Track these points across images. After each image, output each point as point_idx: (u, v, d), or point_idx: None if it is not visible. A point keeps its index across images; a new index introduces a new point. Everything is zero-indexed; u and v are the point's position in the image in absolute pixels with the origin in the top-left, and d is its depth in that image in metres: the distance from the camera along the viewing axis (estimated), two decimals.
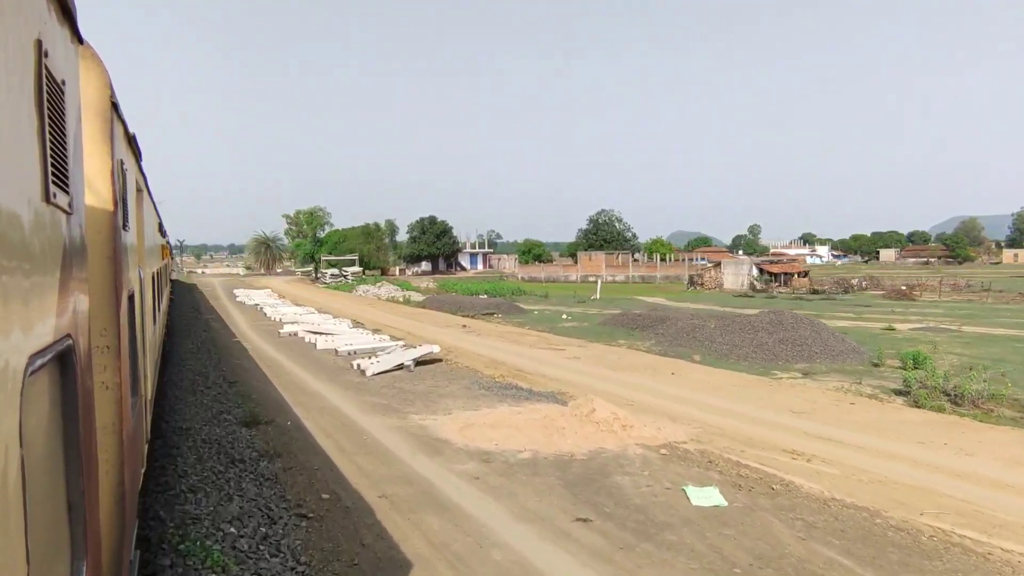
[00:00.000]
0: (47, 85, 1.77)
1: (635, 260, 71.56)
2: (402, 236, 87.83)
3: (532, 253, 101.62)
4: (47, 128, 1.76)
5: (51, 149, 1.79)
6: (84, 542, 1.88)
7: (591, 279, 69.44)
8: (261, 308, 29.25)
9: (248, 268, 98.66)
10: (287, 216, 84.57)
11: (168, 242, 29.16)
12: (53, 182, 1.76)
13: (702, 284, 51.73)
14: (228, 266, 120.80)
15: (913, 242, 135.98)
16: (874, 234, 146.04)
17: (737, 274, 51.79)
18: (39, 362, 1.56)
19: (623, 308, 28.61)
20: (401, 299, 36.51)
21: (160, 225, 14.93)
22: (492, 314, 26.77)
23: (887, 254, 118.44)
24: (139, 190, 5.76)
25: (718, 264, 53.91)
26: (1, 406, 1.26)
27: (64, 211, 1.87)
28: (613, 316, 24.53)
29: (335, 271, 62.95)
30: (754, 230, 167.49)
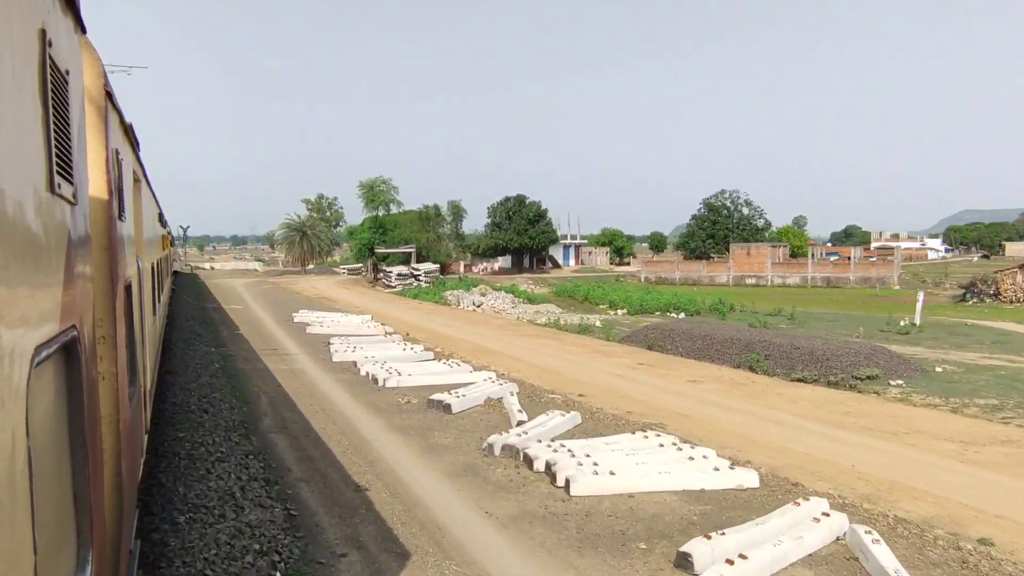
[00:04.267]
0: (51, 75, 1.93)
1: (812, 256, 61.78)
2: (471, 222, 76.41)
3: (614, 245, 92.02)
4: (51, 118, 1.91)
5: (55, 139, 1.97)
6: (90, 532, 2.20)
7: (749, 281, 59.09)
8: (517, 453, 9.26)
9: (260, 261, 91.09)
10: (307, 201, 75.90)
11: (169, 232, 27.09)
12: (57, 172, 1.96)
13: (997, 294, 37.50)
14: (236, 258, 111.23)
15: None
16: (975, 223, 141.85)
17: None
18: (45, 353, 1.68)
19: None
20: (576, 327, 25.65)
21: (160, 215, 15.98)
22: (873, 377, 14.84)
23: (1015, 248, 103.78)
24: (137, 180, 6.53)
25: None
26: (8, 397, 1.35)
27: (68, 201, 2.14)
28: None
29: (402, 269, 49.73)
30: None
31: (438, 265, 55.28)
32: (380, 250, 55.61)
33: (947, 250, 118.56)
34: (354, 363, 15.81)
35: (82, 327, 2.13)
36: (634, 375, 15.70)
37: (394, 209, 59.66)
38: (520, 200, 70.85)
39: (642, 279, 59.77)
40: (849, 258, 61.53)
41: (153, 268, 8.62)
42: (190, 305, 30.72)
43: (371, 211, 58.92)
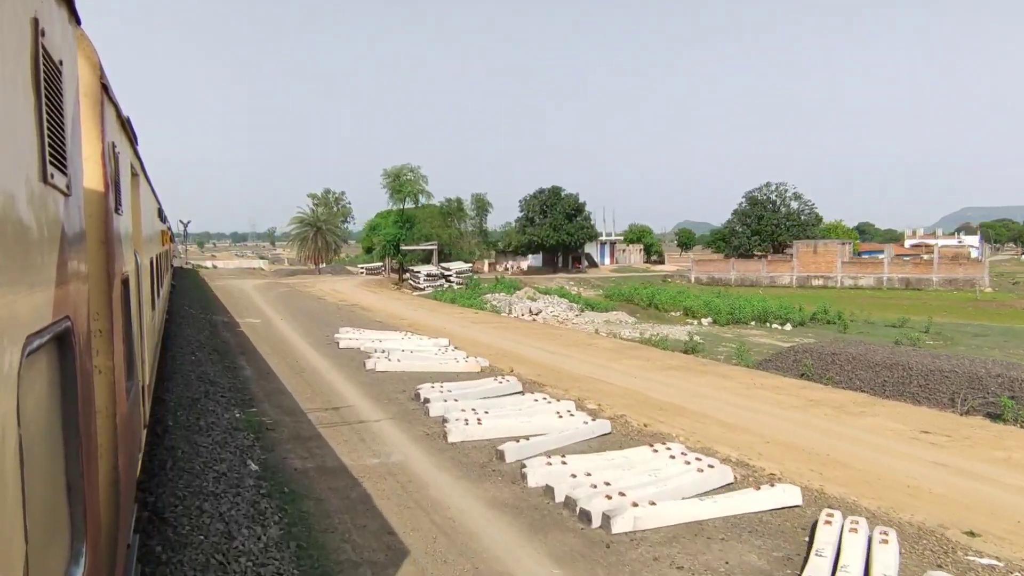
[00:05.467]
0: (44, 65, 2.49)
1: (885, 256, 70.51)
2: (498, 217, 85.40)
3: (643, 242, 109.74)
4: (44, 109, 2.46)
5: (48, 130, 2.52)
6: (83, 524, 2.72)
7: (816, 282, 68.08)
8: None
9: (263, 259, 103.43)
10: (313, 195, 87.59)
11: (169, 228, 31.77)
12: (51, 163, 2.52)
13: None
14: (238, 256, 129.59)
15: None
16: (1004, 219, 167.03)
17: None
18: (37, 343, 2.20)
19: None
20: (682, 344, 26.46)
21: (160, 211, 18.55)
22: None
23: None
24: (135, 174, 7.51)
25: None
26: None
27: (62, 192, 2.68)
28: None
29: (431, 269, 57.90)
30: None
31: (470, 264, 62.92)
32: (408, 247, 63.61)
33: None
34: (498, 451, 12.00)
35: (76, 318, 2.72)
36: (960, 461, 12.50)
37: (423, 201, 67.54)
38: (555, 192, 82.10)
39: (692, 280, 70.07)
40: (927, 257, 68.37)
41: (152, 263, 10.63)
42: (195, 321, 29.13)
43: (397, 203, 67.23)
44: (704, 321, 37.26)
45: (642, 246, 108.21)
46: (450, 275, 56.33)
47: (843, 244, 70.84)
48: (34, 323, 2.21)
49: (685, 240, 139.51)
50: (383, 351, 22.39)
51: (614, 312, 40.38)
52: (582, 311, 40.78)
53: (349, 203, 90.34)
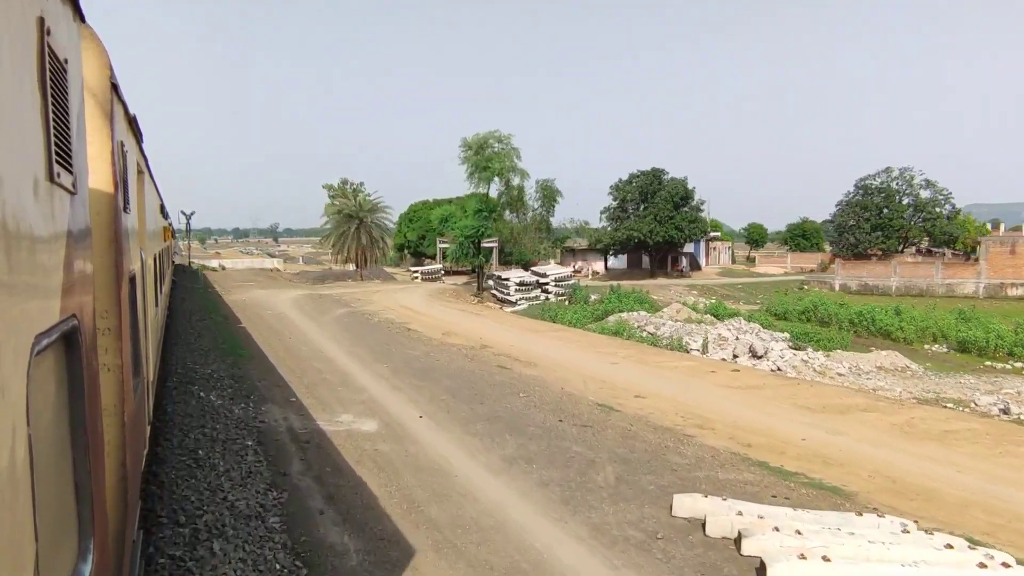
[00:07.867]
0: (50, 64, 2.67)
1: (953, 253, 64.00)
2: (566, 209, 77.34)
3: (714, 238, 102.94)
4: (50, 107, 2.62)
5: (54, 128, 2.73)
6: (91, 521, 3.02)
7: (1013, 291, 58.19)
8: None
9: (271, 257, 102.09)
10: (329, 187, 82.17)
11: (170, 223, 32.65)
12: (57, 161, 2.72)
13: None
14: (243, 253, 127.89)
15: None
16: None
17: None
18: (45, 342, 2.35)
19: None
20: None
21: (162, 207, 19.92)
22: None
23: None
24: (140, 172, 8.08)
25: None
26: (8, 385, 1.86)
27: (68, 191, 2.95)
28: None
29: (524, 276, 46.99)
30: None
31: (571, 269, 56.53)
32: (488, 243, 54.09)
33: None
34: None
35: (82, 316, 2.97)
36: None
37: (516, 182, 55.73)
38: (656, 176, 70.95)
39: (836, 286, 61.81)
40: None
41: (155, 260, 11.35)
42: (231, 450, 12.04)
43: (481, 184, 54.94)
44: None
45: (730, 244, 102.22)
46: (547, 283, 46.41)
47: None
48: (42, 322, 2.36)
49: (756, 237, 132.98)
50: None
51: (881, 352, 27.74)
52: (827, 353, 28.16)
53: (369, 195, 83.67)
